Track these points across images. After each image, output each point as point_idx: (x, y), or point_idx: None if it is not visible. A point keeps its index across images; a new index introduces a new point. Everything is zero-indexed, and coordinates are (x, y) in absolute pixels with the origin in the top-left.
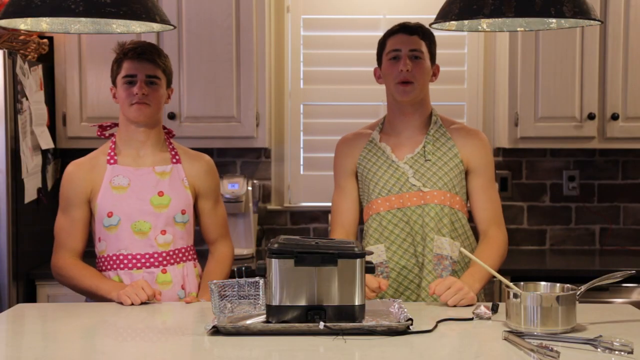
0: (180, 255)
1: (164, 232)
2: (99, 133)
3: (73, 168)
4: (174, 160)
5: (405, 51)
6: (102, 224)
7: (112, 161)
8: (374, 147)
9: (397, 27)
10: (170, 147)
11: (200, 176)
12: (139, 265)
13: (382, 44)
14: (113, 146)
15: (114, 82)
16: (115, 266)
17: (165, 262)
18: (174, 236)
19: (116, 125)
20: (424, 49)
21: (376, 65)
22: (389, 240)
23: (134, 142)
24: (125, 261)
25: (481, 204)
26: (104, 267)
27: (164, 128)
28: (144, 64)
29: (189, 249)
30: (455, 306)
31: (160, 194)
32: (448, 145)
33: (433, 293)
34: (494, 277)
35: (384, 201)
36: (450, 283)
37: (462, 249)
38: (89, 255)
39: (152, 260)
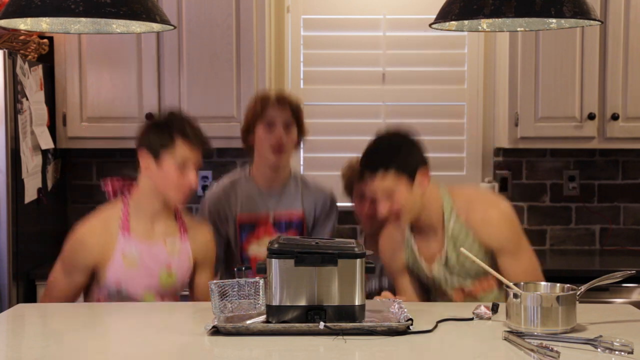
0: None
1: (165, 299)
2: (109, 191)
3: (84, 233)
4: (182, 231)
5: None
6: (107, 290)
7: (125, 232)
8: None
9: None
10: (178, 214)
11: (202, 248)
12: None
13: None
14: (126, 212)
15: (156, 152)
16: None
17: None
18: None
19: (127, 183)
20: None
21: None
22: None
23: (149, 212)
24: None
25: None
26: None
27: None
28: (198, 151)
29: None
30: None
31: (168, 267)
32: (468, 242)
33: None
34: (493, 276)
35: None
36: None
37: (463, 249)
38: None
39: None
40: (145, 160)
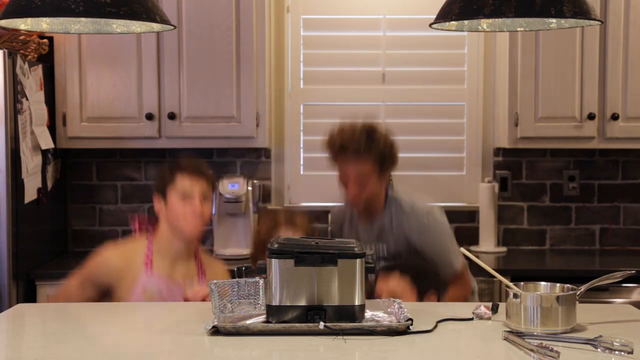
0: None
1: None
2: (135, 228)
3: (109, 255)
4: (200, 272)
5: None
6: None
7: (148, 268)
8: None
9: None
10: (197, 255)
11: None
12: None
13: None
14: (150, 249)
15: (163, 192)
16: None
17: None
18: None
19: (153, 222)
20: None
21: None
22: None
23: (170, 252)
24: None
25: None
26: None
27: None
28: (200, 181)
29: None
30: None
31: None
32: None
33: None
34: (494, 277)
35: None
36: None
37: (463, 249)
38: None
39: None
40: (158, 203)
